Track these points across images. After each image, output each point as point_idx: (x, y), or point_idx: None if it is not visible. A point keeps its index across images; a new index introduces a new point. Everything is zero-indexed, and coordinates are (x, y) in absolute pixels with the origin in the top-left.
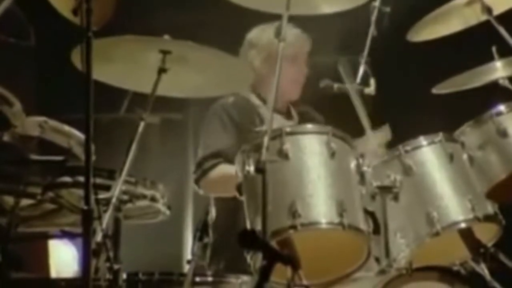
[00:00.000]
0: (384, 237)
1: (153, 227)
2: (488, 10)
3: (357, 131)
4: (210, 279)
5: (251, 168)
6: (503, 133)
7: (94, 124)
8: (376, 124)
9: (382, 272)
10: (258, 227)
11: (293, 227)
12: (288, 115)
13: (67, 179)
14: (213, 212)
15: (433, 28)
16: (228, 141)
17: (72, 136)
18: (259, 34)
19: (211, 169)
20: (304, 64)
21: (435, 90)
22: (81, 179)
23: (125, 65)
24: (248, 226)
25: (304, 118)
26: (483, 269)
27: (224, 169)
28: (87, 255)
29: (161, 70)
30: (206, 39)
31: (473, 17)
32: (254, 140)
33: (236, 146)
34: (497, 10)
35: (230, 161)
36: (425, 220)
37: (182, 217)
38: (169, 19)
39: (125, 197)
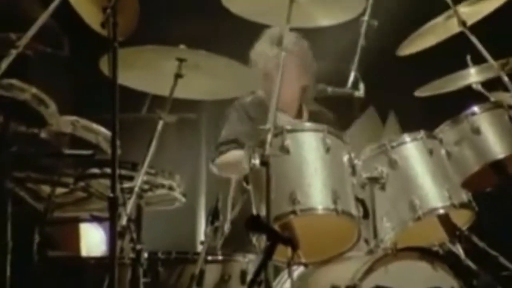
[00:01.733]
0: (372, 221)
1: (170, 213)
2: (463, 23)
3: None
4: (220, 257)
5: (257, 162)
6: (477, 131)
7: (119, 122)
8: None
9: (370, 252)
10: (263, 212)
11: (293, 212)
12: (298, 114)
13: (95, 170)
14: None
15: (418, 44)
16: (243, 132)
17: (100, 133)
18: (257, 56)
19: (226, 152)
20: (296, 72)
21: (417, 93)
22: (108, 170)
23: (146, 71)
24: (254, 212)
25: (315, 117)
26: (458, 249)
27: (236, 153)
28: (113, 236)
29: (178, 76)
30: (217, 48)
31: (450, 29)
32: (259, 137)
33: (249, 137)
34: (470, 21)
35: (243, 148)
36: (408, 207)
37: (195, 204)
38: (184, 31)
39: (146, 186)
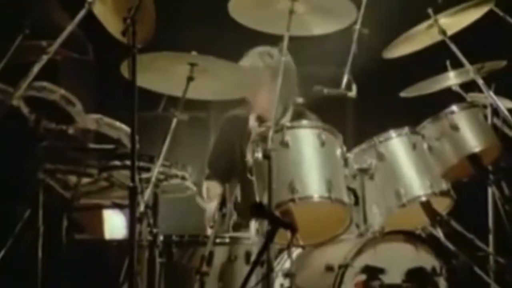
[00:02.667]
0: (362, 208)
1: (183, 200)
2: (443, 32)
3: (341, 125)
4: (227, 240)
5: (259, 155)
6: (455, 128)
7: (137, 120)
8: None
9: (361, 235)
10: (265, 200)
11: (292, 200)
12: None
13: (117, 162)
14: (238, 197)
15: (402, 48)
16: (216, 158)
17: (121, 129)
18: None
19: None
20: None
21: (402, 94)
22: (128, 162)
23: (161, 74)
24: (257, 199)
25: (298, 118)
26: (438, 233)
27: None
28: (133, 221)
29: (189, 79)
30: (224, 54)
31: (432, 37)
32: (262, 133)
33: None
34: (450, 31)
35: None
36: (394, 195)
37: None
38: (195, 39)
39: (162, 177)
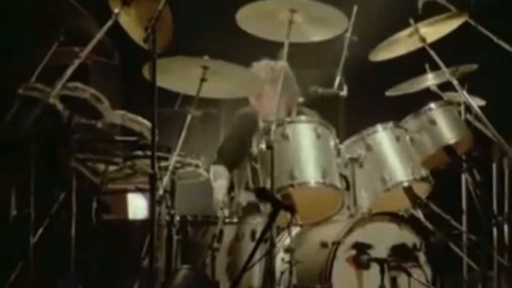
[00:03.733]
0: (353, 192)
1: (197, 185)
2: (423, 39)
3: (334, 120)
4: (235, 220)
5: (263, 146)
6: (433, 122)
7: (157, 116)
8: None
9: (351, 216)
10: (268, 185)
11: (292, 185)
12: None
13: (139, 152)
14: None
15: (386, 52)
16: (228, 149)
17: (143, 124)
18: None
19: (214, 164)
20: (268, 97)
21: (387, 93)
22: (149, 152)
23: (178, 76)
24: (261, 185)
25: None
26: (419, 214)
27: (213, 168)
28: (153, 204)
29: (202, 80)
30: (233, 58)
31: (413, 44)
32: (266, 127)
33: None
34: (430, 39)
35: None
36: (381, 181)
37: None
38: (207, 45)
39: (178, 165)
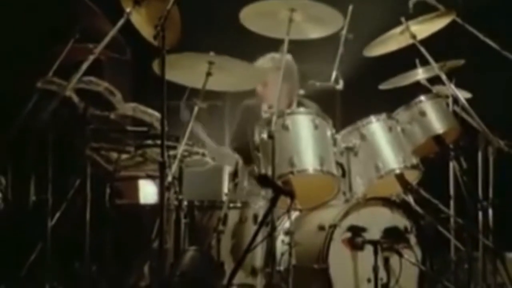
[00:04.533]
0: (348, 179)
1: (203, 172)
2: (413, 36)
3: (331, 111)
4: (239, 204)
5: (265, 135)
6: (423, 114)
7: (166, 107)
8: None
9: (347, 201)
10: (269, 172)
11: (291, 172)
12: (289, 107)
13: (149, 142)
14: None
15: (379, 48)
16: (236, 136)
17: (153, 115)
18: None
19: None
20: (273, 84)
21: (380, 87)
22: (158, 142)
23: (185, 70)
24: (263, 172)
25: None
26: (410, 199)
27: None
28: (162, 189)
29: (208, 74)
30: (236, 53)
31: (404, 41)
32: (267, 118)
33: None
34: (420, 36)
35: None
36: (374, 168)
37: (221, 166)
38: (213, 41)
39: (186, 153)
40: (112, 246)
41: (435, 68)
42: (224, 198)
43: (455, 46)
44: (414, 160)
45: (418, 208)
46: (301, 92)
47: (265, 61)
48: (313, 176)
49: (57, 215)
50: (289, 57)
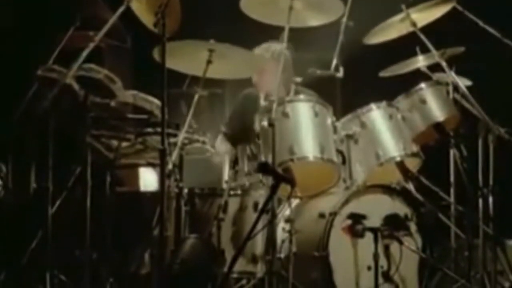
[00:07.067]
0: (348, 166)
1: (203, 159)
2: (413, 24)
3: (331, 99)
4: (239, 192)
5: (265, 123)
6: (423, 101)
7: (166, 95)
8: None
9: (347, 188)
10: (270, 160)
11: (292, 160)
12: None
13: (150, 129)
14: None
15: (380, 35)
16: (231, 124)
17: (153, 103)
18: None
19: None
20: (270, 73)
21: (381, 74)
22: (159, 129)
23: (186, 58)
24: (263, 159)
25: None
26: (410, 186)
27: (219, 139)
28: (163, 177)
29: (209, 62)
30: (236, 41)
31: (404, 28)
32: (267, 106)
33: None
34: (420, 23)
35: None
36: (374, 156)
37: (221, 153)
38: (213, 29)
39: (186, 141)
40: (113, 234)
41: (435, 56)
42: (225, 185)
43: (456, 33)
44: (415, 148)
45: (418, 196)
46: (298, 79)
47: (260, 51)
48: (313, 163)
49: (58, 202)
50: (283, 46)
